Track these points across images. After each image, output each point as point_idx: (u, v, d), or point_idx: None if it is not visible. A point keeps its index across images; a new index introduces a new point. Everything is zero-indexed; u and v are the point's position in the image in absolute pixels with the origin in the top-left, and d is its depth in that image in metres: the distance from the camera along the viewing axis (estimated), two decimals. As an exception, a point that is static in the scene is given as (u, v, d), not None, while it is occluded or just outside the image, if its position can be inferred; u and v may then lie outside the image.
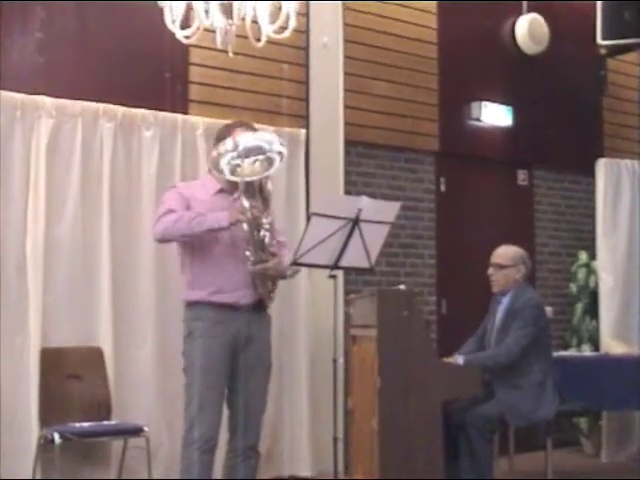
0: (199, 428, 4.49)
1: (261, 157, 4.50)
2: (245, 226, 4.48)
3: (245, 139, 4.56)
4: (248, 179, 4.47)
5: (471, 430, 5.49)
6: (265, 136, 4.68)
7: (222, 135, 4.72)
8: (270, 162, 4.51)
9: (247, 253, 4.51)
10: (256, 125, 6.23)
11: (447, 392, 5.12)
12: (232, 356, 4.58)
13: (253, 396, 4.61)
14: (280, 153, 4.56)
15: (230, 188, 4.66)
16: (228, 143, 4.53)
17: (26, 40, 5.69)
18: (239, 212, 4.47)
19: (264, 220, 4.52)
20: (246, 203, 4.46)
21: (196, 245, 4.61)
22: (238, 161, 4.47)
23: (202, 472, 4.52)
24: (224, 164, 4.48)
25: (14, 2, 5.59)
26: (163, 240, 4.69)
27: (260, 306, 4.69)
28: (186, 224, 4.50)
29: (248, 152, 4.50)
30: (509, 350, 5.57)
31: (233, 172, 4.48)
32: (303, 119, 6.73)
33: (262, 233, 4.52)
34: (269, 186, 4.65)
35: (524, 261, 5.89)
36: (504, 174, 7.95)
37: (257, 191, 4.56)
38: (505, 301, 5.80)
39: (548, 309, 5.90)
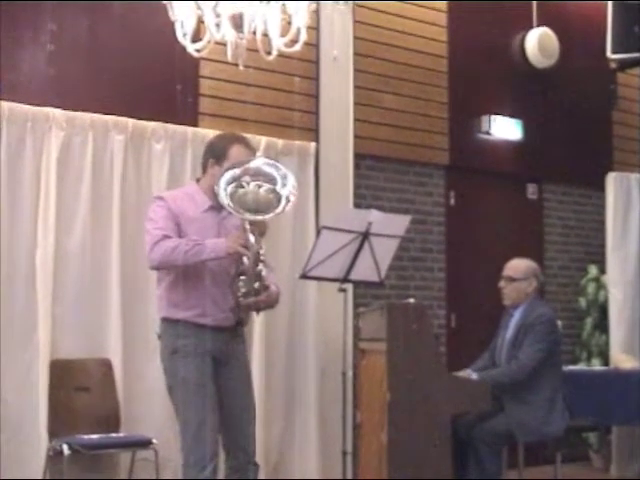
0: (202, 447, 4.35)
1: (267, 185, 4.26)
2: (245, 260, 4.32)
3: (255, 165, 4.29)
4: (259, 219, 4.23)
5: (479, 445, 5.47)
6: (281, 169, 4.34)
7: (218, 150, 4.51)
8: (277, 197, 4.25)
9: (240, 284, 4.30)
10: (261, 137, 6.31)
11: (456, 406, 5.11)
12: (216, 373, 4.46)
13: (244, 410, 4.51)
14: (289, 198, 4.27)
15: (219, 205, 4.36)
16: (235, 171, 4.25)
17: (37, 52, 5.72)
18: (238, 243, 4.25)
19: (261, 252, 4.27)
20: (252, 238, 4.22)
21: (184, 267, 4.42)
22: (242, 190, 4.22)
23: None
24: (225, 189, 4.20)
25: (25, 15, 5.62)
26: (158, 268, 4.46)
27: (239, 324, 4.55)
28: (183, 255, 4.27)
29: (255, 177, 4.25)
30: (522, 366, 5.52)
31: (233, 196, 4.21)
32: (313, 132, 6.73)
33: (259, 267, 4.34)
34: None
35: (536, 275, 5.84)
36: (514, 188, 7.94)
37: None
38: (517, 315, 5.75)
39: (557, 323, 5.86)
